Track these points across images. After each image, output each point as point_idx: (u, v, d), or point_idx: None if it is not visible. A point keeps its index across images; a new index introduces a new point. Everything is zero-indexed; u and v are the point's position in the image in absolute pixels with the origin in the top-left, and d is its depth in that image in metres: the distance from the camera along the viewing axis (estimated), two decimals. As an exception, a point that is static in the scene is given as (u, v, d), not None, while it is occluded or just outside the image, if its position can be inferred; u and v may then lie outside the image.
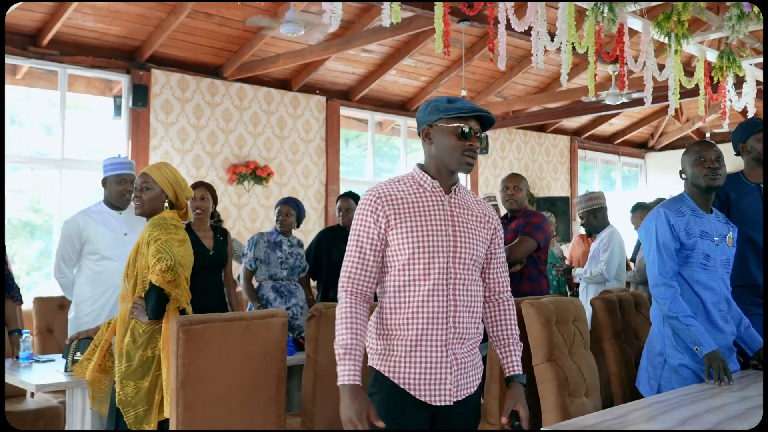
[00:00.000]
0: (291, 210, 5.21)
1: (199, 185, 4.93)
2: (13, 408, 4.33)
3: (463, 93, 7.04)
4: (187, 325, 2.85)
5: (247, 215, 8.44)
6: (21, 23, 6.97)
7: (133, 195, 3.52)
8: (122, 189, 4.45)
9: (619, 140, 13.26)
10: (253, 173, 8.39)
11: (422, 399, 2.30)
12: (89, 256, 4.40)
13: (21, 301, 4.29)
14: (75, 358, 3.48)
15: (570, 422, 2.34)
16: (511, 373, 2.49)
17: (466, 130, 2.34)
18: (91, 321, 4.34)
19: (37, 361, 3.87)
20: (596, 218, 5.78)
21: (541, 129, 11.97)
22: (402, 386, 2.30)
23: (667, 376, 3.19)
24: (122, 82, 7.72)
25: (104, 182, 4.52)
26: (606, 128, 12.81)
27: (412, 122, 10.35)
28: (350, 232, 2.40)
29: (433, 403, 2.30)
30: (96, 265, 4.38)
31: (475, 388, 2.42)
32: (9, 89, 7.33)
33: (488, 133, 10.94)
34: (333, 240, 5.46)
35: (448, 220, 2.36)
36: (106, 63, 7.57)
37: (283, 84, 8.95)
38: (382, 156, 10.38)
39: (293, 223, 5.23)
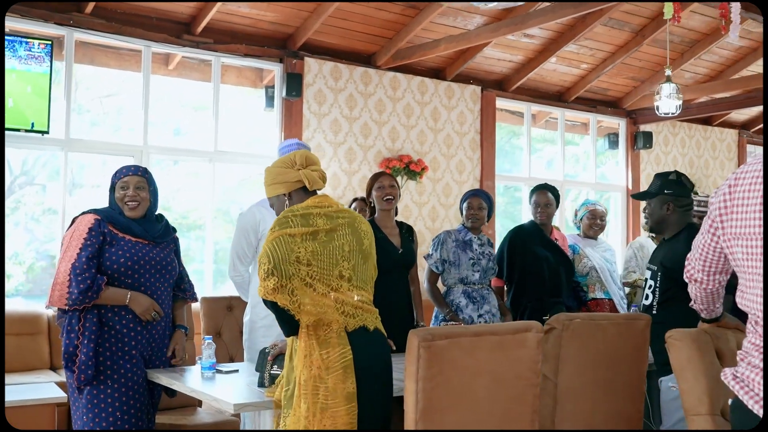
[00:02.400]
0: (483, 203, 4.60)
1: (382, 173, 4.44)
2: (185, 420, 3.92)
3: (668, 73, 6.24)
4: (429, 340, 2.28)
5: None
6: (177, 10, 6.68)
7: None
8: None
9: (792, 134, 12.01)
10: (407, 167, 7.85)
11: None
12: (266, 253, 3.94)
13: (196, 299, 3.86)
14: (272, 372, 2.96)
15: None
16: None
17: None
18: (268, 325, 3.88)
19: (219, 371, 3.41)
20: None
21: (707, 122, 10.93)
22: None
23: None
24: (275, 71, 7.33)
25: None
26: (778, 121, 11.61)
27: (571, 114, 9.57)
28: None
29: None
30: (274, 263, 3.91)
31: None
32: (161, 80, 7.08)
33: (651, 126, 10.05)
34: (528, 240, 4.81)
35: None
36: (259, 51, 7.21)
37: (437, 73, 8.39)
38: (534, 151, 9.64)
39: (485, 218, 4.62)
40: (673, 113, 6.18)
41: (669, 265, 3.62)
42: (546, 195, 4.86)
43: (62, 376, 5.42)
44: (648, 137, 9.88)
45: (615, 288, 5.15)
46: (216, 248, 7.02)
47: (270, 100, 7.36)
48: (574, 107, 9.49)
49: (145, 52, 6.64)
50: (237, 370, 3.45)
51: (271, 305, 2.60)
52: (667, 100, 6.05)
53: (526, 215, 8.93)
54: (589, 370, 2.90)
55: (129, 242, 3.48)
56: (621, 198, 9.90)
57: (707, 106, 9.92)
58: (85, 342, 3.30)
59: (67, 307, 3.32)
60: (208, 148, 6.99)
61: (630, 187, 9.89)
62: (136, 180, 3.57)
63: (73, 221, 3.58)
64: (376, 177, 4.44)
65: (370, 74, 7.81)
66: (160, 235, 3.63)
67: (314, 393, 2.52)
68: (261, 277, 2.55)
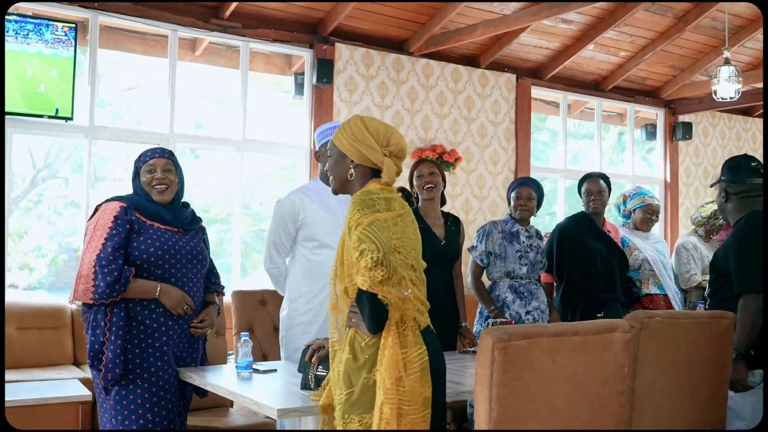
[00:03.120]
0: (532, 192, 4.31)
1: (423, 161, 4.18)
2: (218, 423, 3.67)
3: (726, 54, 5.89)
4: (505, 340, 2.00)
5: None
6: (204, -7, 6.45)
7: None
8: None
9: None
10: (440, 158, 7.56)
11: None
12: (305, 243, 3.68)
13: (223, 293, 3.60)
14: (318, 373, 2.69)
15: None
16: None
17: None
18: (308, 321, 3.63)
19: (256, 370, 3.15)
20: None
21: (746, 112, 10.53)
22: None
23: None
24: (305, 57, 7.06)
25: (318, 155, 3.79)
26: (821, 112, 11.19)
27: (609, 104, 9.23)
28: None
29: None
30: (313, 254, 3.66)
31: None
32: (187, 66, 6.83)
33: (691, 116, 9.69)
34: (580, 232, 4.51)
35: None
36: (288, 37, 6.94)
37: (471, 60, 8.08)
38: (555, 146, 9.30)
39: (534, 208, 4.34)
40: (732, 98, 5.82)
41: (719, 254, 3.39)
42: (598, 182, 4.56)
43: (86, 372, 5.20)
44: (687, 128, 9.52)
45: (670, 282, 4.84)
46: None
47: (299, 87, 7.09)
48: (611, 96, 9.15)
49: (172, 36, 6.40)
50: (275, 370, 3.20)
51: (368, 299, 2.31)
52: (726, 84, 5.69)
53: (560, 211, 8.63)
54: (670, 374, 2.61)
55: (158, 230, 3.23)
56: (659, 191, 9.54)
57: (750, 96, 9.52)
58: (112, 339, 3.05)
59: (92, 302, 3.07)
60: (236, 137, 6.74)
61: (668, 180, 9.54)
62: (163, 162, 3.33)
63: (96, 209, 3.33)
64: (415, 165, 4.25)
65: (403, 61, 7.53)
66: (189, 222, 3.39)
67: (397, 396, 2.25)
68: (366, 266, 2.26)
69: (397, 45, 7.52)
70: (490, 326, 3.87)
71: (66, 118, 5.73)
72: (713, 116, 10.08)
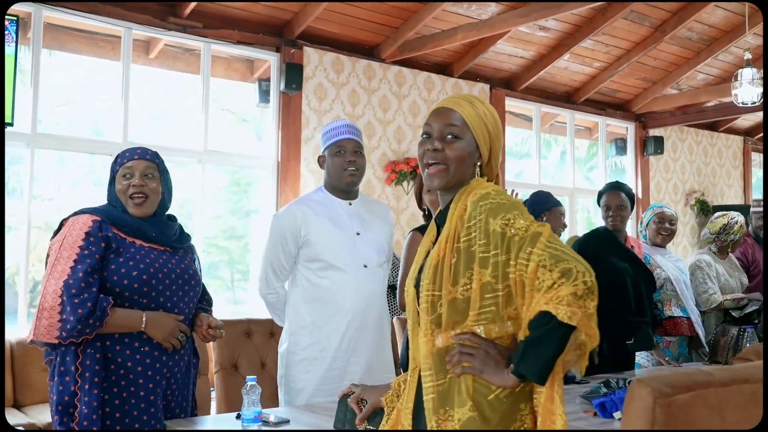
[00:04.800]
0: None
1: None
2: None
3: (747, 56, 5.55)
4: (668, 394, 1.47)
5: (405, 222, 7.10)
6: (161, -12, 5.82)
7: (426, 149, 1.90)
8: (341, 161, 3.12)
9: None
10: (413, 172, 7.06)
11: None
12: (307, 264, 3.10)
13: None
14: (367, 428, 2.10)
15: None
16: None
17: None
18: (312, 357, 3.05)
19: (266, 422, 2.54)
20: None
21: (712, 127, 10.37)
22: None
23: None
24: (271, 61, 6.48)
25: (322, 160, 3.22)
26: (781, 128, 11.13)
27: (582, 117, 8.90)
28: None
29: None
30: (318, 277, 3.08)
31: None
32: (140, 69, 6.16)
33: (660, 131, 9.45)
34: (603, 249, 4.03)
35: None
36: (253, 39, 6.35)
37: (443, 69, 7.63)
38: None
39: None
40: (753, 102, 5.47)
41: None
42: (619, 195, 4.09)
43: (30, 417, 4.49)
44: (659, 142, 9.27)
45: (692, 304, 4.41)
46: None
47: (264, 94, 6.50)
48: (582, 109, 8.83)
49: (126, 35, 5.73)
50: (288, 420, 2.59)
51: (562, 337, 1.66)
52: (749, 87, 5.33)
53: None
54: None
55: (141, 249, 2.60)
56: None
57: (719, 110, 9.31)
58: (87, 387, 2.40)
59: (58, 341, 2.43)
60: (197, 148, 6.09)
61: (640, 195, 9.25)
62: (143, 165, 2.68)
63: (61, 225, 2.68)
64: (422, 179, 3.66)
65: (374, 68, 7.02)
66: (177, 240, 2.77)
67: None
68: (574, 293, 1.63)
69: (367, 50, 7.02)
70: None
71: (6, 124, 5.02)
72: (681, 131, 9.87)
